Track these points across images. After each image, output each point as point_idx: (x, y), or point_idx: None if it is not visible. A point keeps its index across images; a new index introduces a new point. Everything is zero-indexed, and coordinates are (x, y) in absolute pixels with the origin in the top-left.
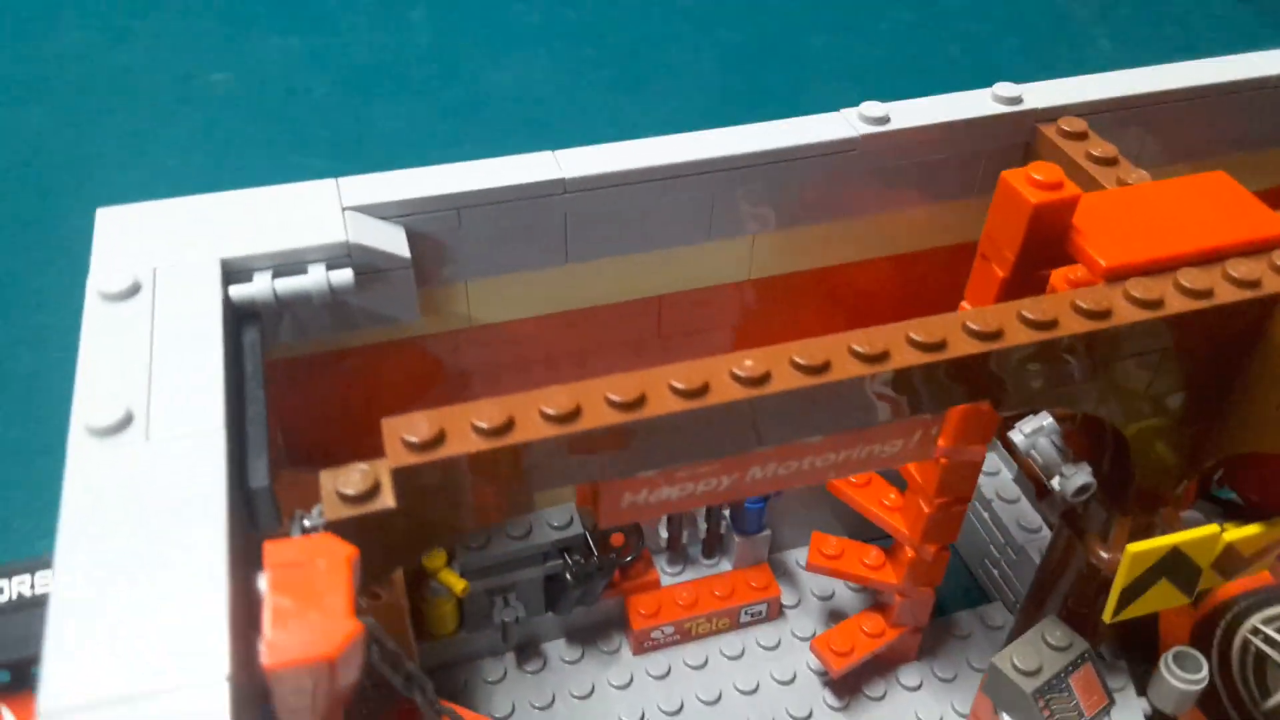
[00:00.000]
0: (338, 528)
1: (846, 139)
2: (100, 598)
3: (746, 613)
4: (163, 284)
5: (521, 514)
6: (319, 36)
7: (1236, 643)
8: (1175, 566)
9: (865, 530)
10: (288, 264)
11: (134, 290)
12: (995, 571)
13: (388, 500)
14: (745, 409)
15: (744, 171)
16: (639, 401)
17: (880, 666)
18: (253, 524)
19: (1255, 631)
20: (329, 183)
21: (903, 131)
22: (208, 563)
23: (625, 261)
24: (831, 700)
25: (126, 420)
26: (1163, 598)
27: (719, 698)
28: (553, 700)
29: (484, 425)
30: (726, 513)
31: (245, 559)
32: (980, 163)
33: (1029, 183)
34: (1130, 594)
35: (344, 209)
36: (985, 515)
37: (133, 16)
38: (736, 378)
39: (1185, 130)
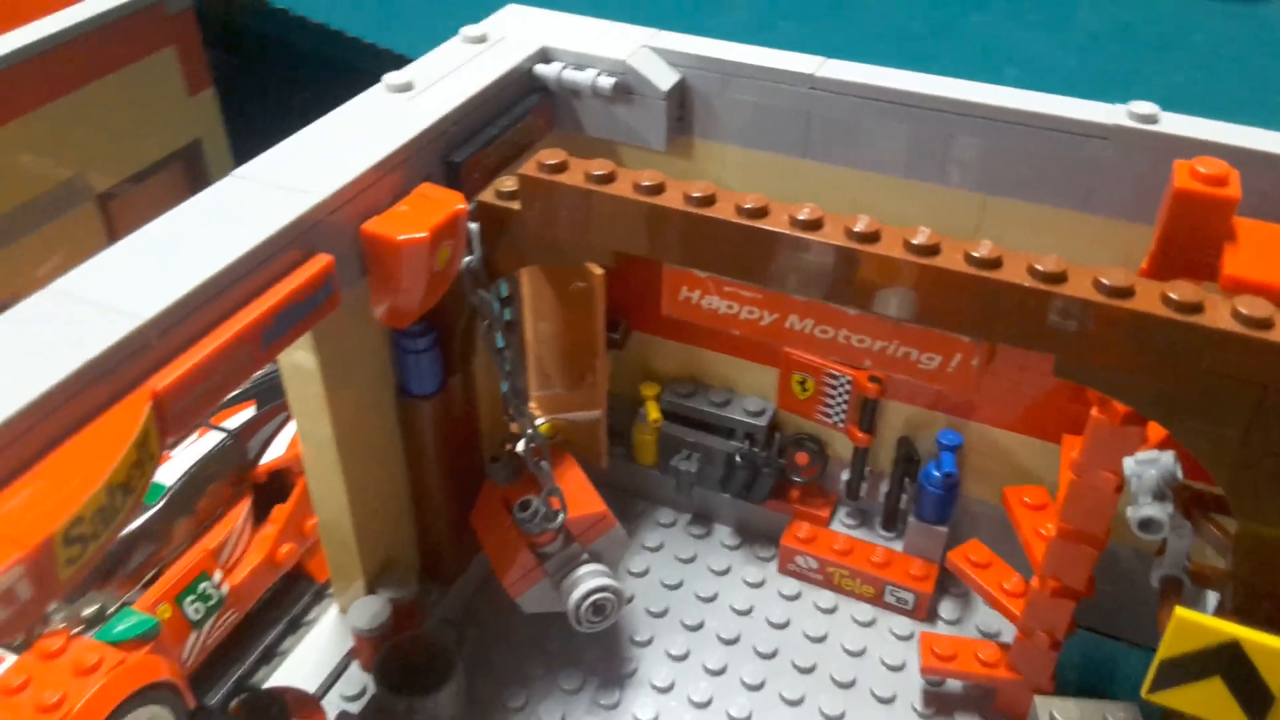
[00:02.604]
0: (484, 209)
1: (1096, 123)
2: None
3: (892, 594)
4: (498, 45)
5: (600, 262)
6: None
7: None
8: (1236, 670)
9: None
10: (577, 63)
11: (480, 39)
12: None
13: (518, 205)
14: (789, 244)
15: (981, 122)
16: (707, 200)
17: (988, 709)
18: (447, 184)
19: None
20: (654, 30)
21: (1167, 136)
22: (372, 152)
23: (857, 176)
24: (919, 704)
25: (407, 86)
26: (1217, 706)
27: (824, 638)
28: (694, 558)
29: (593, 171)
30: (909, 490)
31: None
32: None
33: (1188, 171)
34: (1173, 672)
35: (642, 45)
36: None
37: None
38: (792, 217)
39: None
